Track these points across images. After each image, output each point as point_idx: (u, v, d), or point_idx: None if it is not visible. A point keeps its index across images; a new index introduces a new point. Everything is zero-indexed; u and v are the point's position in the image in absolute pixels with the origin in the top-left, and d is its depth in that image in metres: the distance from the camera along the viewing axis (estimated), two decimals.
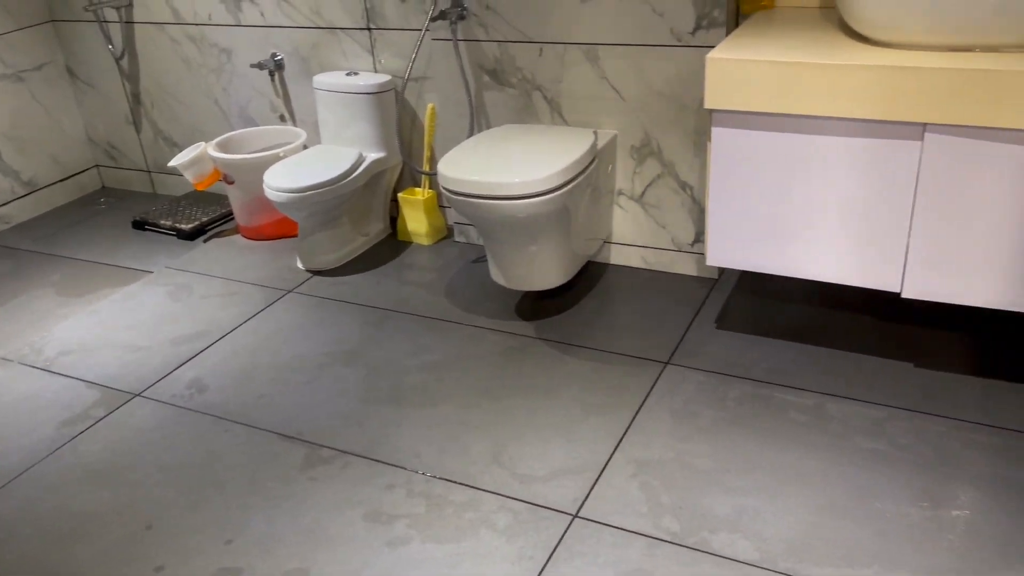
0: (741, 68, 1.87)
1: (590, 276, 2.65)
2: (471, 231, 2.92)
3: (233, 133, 3.07)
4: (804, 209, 1.96)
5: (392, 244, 2.98)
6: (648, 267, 2.67)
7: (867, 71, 1.75)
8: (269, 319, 2.56)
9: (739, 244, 2.08)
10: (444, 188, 2.23)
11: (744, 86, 1.88)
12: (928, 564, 1.56)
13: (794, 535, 1.64)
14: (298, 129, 3.09)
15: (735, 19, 2.30)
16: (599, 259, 2.73)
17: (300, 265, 2.85)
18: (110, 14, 3.26)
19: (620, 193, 2.60)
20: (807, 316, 2.35)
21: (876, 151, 1.83)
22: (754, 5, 2.24)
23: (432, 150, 2.87)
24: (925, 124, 1.75)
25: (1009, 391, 1.98)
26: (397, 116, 2.83)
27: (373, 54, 2.87)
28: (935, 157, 1.77)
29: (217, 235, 3.14)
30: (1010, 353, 2.12)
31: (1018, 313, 2.26)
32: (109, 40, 3.28)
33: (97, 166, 3.66)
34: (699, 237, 2.56)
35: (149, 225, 3.22)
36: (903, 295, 1.94)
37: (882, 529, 1.64)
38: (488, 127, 2.70)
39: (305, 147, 3.03)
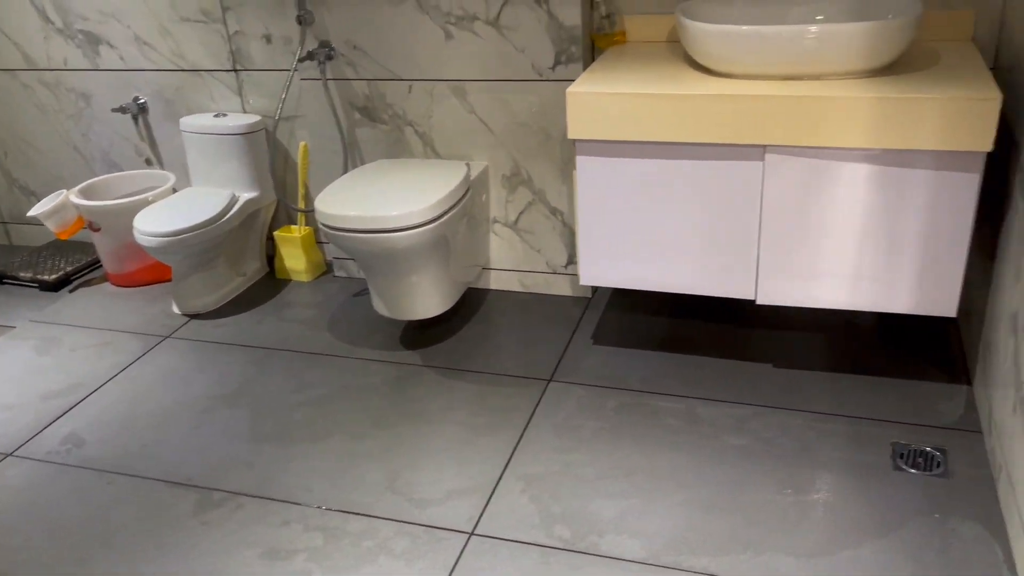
0: (599, 100, 2.01)
1: (471, 302, 2.73)
2: (351, 265, 2.95)
3: (97, 179, 2.99)
4: (664, 228, 2.11)
5: (271, 283, 2.97)
6: (526, 290, 2.78)
7: (711, 100, 1.92)
8: (147, 367, 2.50)
9: (609, 263, 2.21)
10: (322, 224, 2.27)
11: (603, 117, 2.02)
12: (795, 545, 1.70)
13: (674, 531, 1.76)
14: (166, 172, 3.04)
15: (591, 54, 2.45)
16: (479, 285, 2.81)
17: (176, 309, 2.80)
18: None
19: (495, 221, 2.71)
20: (675, 327, 2.51)
21: (724, 171, 2.00)
22: (608, 41, 2.40)
23: (307, 187, 2.89)
24: (765, 146, 1.94)
25: (855, 383, 2.19)
26: (270, 155, 2.84)
27: (241, 95, 2.87)
28: (775, 175, 1.96)
29: (84, 284, 3.03)
30: (854, 348, 2.33)
31: (859, 311, 2.49)
32: None
33: None
34: (572, 259, 2.69)
35: (7, 278, 3.07)
36: (758, 302, 2.12)
37: (752, 518, 1.78)
38: (362, 163, 2.75)
39: (175, 190, 2.98)
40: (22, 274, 3.05)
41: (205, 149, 2.84)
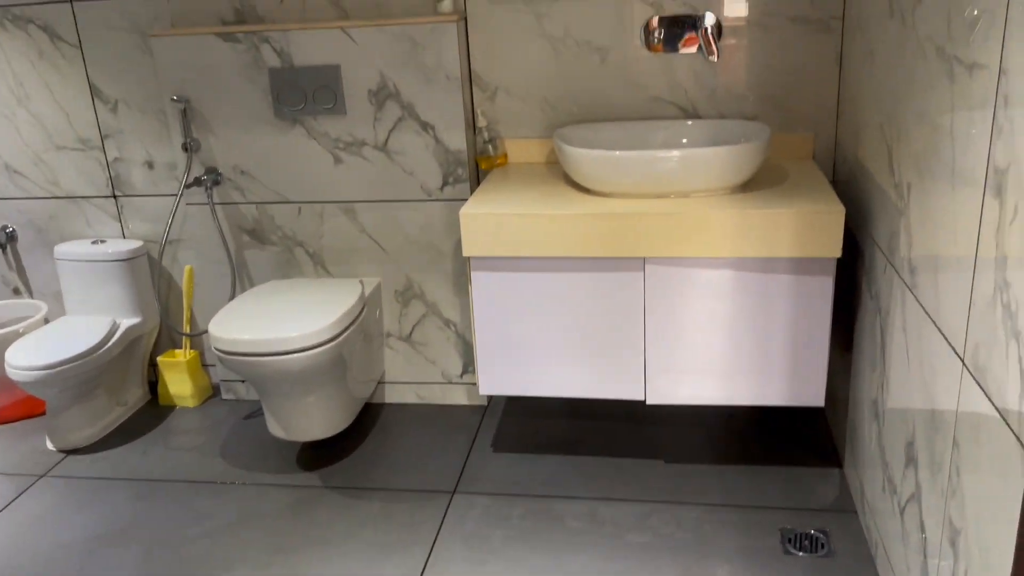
0: (490, 221, 2.13)
1: (368, 417, 2.74)
2: (240, 387, 2.90)
3: None
4: (557, 336, 2.23)
5: (154, 410, 2.87)
6: (422, 402, 2.81)
7: (593, 218, 2.08)
8: (20, 511, 2.35)
9: (506, 373, 2.30)
10: (216, 349, 2.24)
11: (495, 236, 2.14)
12: None
13: None
14: (37, 302, 2.93)
15: (476, 175, 2.60)
16: (375, 400, 2.82)
17: (51, 446, 2.65)
18: None
19: (389, 335, 2.75)
20: (572, 430, 2.60)
21: (609, 282, 2.15)
22: (491, 163, 2.55)
23: (191, 311, 2.85)
24: (644, 258, 2.10)
25: (741, 473, 2.33)
26: (154, 280, 2.79)
27: (121, 221, 2.83)
28: (656, 283, 2.12)
29: None
30: (736, 440, 2.49)
31: (740, 406, 2.67)
32: None
33: None
34: (467, 368, 2.75)
35: None
36: (648, 402, 2.25)
37: None
38: (251, 284, 2.75)
39: (47, 320, 2.87)
40: None
41: (83, 276, 2.76)
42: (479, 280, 2.22)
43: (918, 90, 1.59)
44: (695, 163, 2.08)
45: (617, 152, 2.12)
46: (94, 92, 2.70)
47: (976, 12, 1.29)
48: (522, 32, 2.45)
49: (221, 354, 2.24)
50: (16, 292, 2.98)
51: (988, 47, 1.24)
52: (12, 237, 2.90)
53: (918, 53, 1.59)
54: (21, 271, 2.95)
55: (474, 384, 2.74)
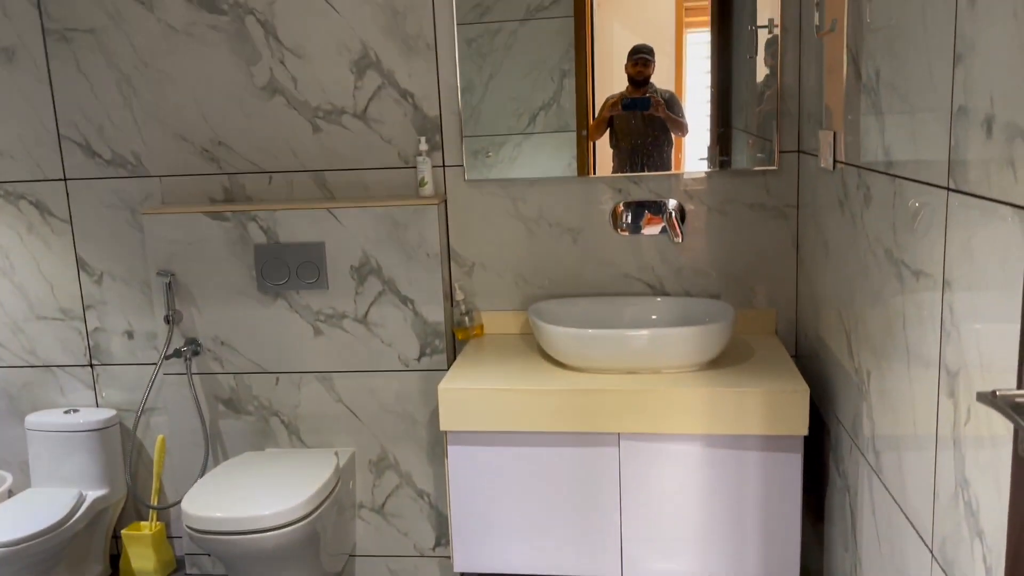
0: (467, 396, 2.18)
1: None
2: (206, 560, 2.82)
3: None
4: (534, 511, 2.24)
5: None
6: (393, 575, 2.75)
7: (567, 394, 2.14)
8: None
9: (482, 548, 2.28)
10: (188, 527, 2.21)
11: (471, 410, 2.19)
12: None
13: None
14: (2, 473, 2.87)
15: (453, 346, 2.67)
16: (345, 574, 2.76)
17: None
18: None
19: (361, 506, 2.73)
20: None
21: (585, 457, 2.19)
22: (467, 334, 2.63)
23: (160, 481, 2.81)
24: (619, 433, 2.15)
25: None
26: (125, 451, 2.76)
27: (95, 389, 2.84)
28: (631, 458, 2.16)
29: None
30: None
31: None
32: None
33: None
34: (440, 540, 2.72)
35: None
36: None
37: None
38: (225, 454, 2.74)
39: (11, 492, 2.80)
40: None
41: (53, 447, 2.73)
42: (456, 454, 2.24)
43: (871, 285, 1.71)
44: (665, 342, 2.18)
45: (589, 330, 2.21)
46: (80, 265, 2.77)
47: (917, 204, 1.42)
48: (499, 213, 2.60)
49: (193, 532, 2.20)
50: None
51: (932, 256, 1.36)
52: None
53: (869, 252, 1.72)
54: None
55: (447, 557, 2.70)
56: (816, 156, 2.17)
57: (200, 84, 2.62)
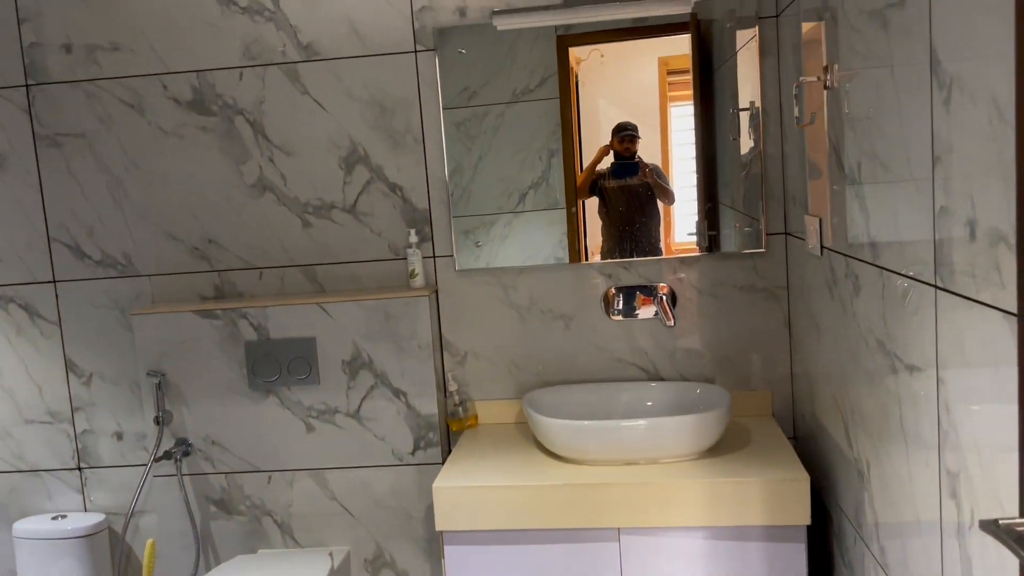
0: (463, 495, 2.14)
1: None
2: None
3: None
4: None
5: None
6: None
7: (564, 489, 2.10)
8: None
9: None
10: None
11: (468, 509, 2.14)
12: None
13: None
14: None
15: (448, 437, 2.63)
16: None
17: None
18: None
19: None
20: None
21: (584, 553, 2.13)
22: (461, 425, 2.60)
23: None
24: (619, 528, 2.11)
25: None
26: (114, 557, 2.69)
27: (84, 493, 2.78)
28: (632, 553, 2.11)
29: None
30: None
31: None
32: None
33: None
34: None
35: None
36: None
37: None
38: (216, 556, 2.67)
39: None
40: None
41: (40, 555, 2.66)
42: (453, 555, 2.19)
43: (864, 372, 1.70)
44: (662, 432, 2.15)
45: (585, 422, 2.19)
46: (69, 366, 2.75)
47: (906, 284, 1.42)
48: (490, 302, 2.59)
49: None
50: None
51: (924, 352, 1.36)
52: None
53: (860, 340, 1.72)
54: None
55: None
56: (803, 239, 2.18)
57: (190, 183, 2.65)
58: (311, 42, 2.55)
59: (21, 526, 2.68)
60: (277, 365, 2.56)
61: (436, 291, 2.61)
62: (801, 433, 2.43)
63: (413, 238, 2.56)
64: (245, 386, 2.58)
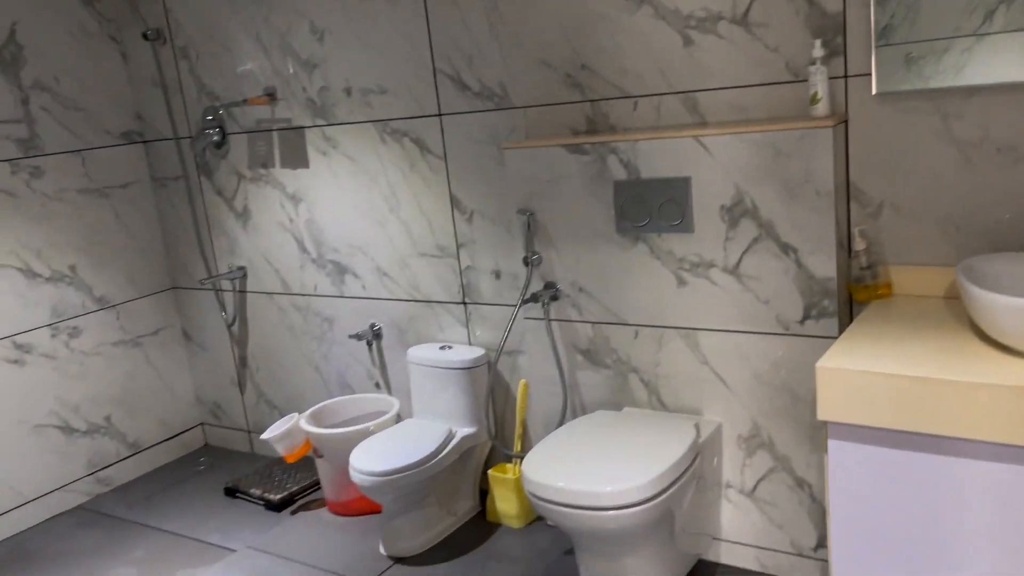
0: (856, 380, 1.66)
1: None
2: None
3: (327, 402, 3.04)
4: (940, 541, 1.66)
5: (481, 525, 2.78)
6: (765, 571, 2.34)
7: (1010, 392, 1.50)
8: None
9: (866, 570, 1.77)
10: (528, 492, 2.05)
11: (861, 399, 1.66)
12: None
13: None
14: (392, 398, 3.04)
15: (848, 309, 2.12)
16: (709, 557, 2.42)
17: (383, 550, 2.67)
18: (225, 284, 3.41)
19: (728, 486, 2.35)
20: None
21: (1022, 482, 1.54)
22: (868, 294, 2.06)
23: (524, 427, 2.73)
24: None
25: None
26: (489, 391, 2.72)
27: (468, 327, 2.84)
28: None
29: (304, 507, 3.03)
30: None
31: None
32: (223, 307, 3.41)
33: (202, 424, 3.71)
34: (822, 542, 2.24)
35: (240, 493, 3.16)
36: None
37: None
38: (582, 407, 2.55)
39: (399, 417, 2.95)
40: (252, 490, 3.12)
41: (428, 380, 2.79)
42: (837, 452, 1.74)
43: None
44: None
45: None
46: (454, 203, 2.75)
47: None
48: (921, 136, 1.95)
49: (532, 497, 2.04)
50: (377, 387, 3.13)
51: None
52: (378, 335, 3.06)
53: None
54: (383, 367, 3.09)
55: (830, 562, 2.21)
56: None
57: (562, 2, 2.37)
58: None
59: (413, 352, 2.83)
60: (647, 208, 2.25)
61: (845, 121, 2.03)
62: None
63: (818, 51, 1.99)
64: (613, 230, 2.33)
